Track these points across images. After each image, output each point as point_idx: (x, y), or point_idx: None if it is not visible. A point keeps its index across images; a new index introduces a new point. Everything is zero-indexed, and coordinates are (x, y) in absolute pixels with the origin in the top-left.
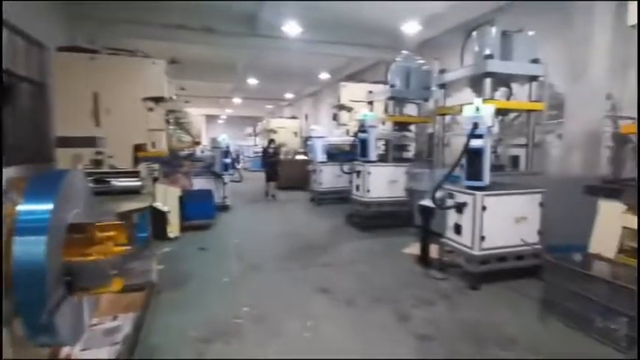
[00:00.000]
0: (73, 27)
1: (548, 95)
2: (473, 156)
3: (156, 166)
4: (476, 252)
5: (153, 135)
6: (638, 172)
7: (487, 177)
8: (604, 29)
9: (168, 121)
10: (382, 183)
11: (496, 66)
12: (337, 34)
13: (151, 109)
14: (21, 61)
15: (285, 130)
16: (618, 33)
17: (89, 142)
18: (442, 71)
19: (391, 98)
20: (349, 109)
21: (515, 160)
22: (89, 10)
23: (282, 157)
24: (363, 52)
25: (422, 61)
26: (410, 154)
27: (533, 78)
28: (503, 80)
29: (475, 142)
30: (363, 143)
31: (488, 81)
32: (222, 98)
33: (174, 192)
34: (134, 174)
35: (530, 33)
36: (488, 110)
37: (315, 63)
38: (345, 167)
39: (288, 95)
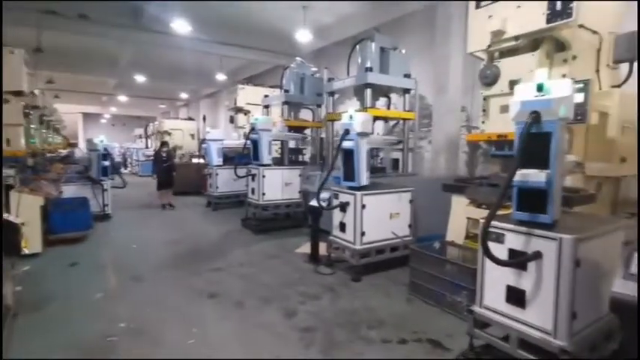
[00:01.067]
0: None
1: (421, 106)
2: (348, 159)
3: (11, 171)
4: (357, 246)
5: (8, 131)
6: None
7: (363, 178)
8: (458, 53)
9: (27, 117)
10: (277, 185)
11: (375, 78)
12: (232, 36)
13: (6, 101)
14: None
15: (181, 132)
16: (469, 57)
17: None
18: (330, 80)
19: (285, 103)
20: (246, 112)
21: (395, 162)
22: None
23: (176, 160)
24: (258, 56)
25: (315, 69)
26: (306, 157)
27: (406, 90)
28: (383, 91)
29: (346, 146)
30: (255, 146)
31: (368, 91)
32: (105, 95)
33: (34, 201)
34: None
35: (403, 51)
36: (360, 118)
37: (211, 64)
38: (240, 171)
39: (184, 95)
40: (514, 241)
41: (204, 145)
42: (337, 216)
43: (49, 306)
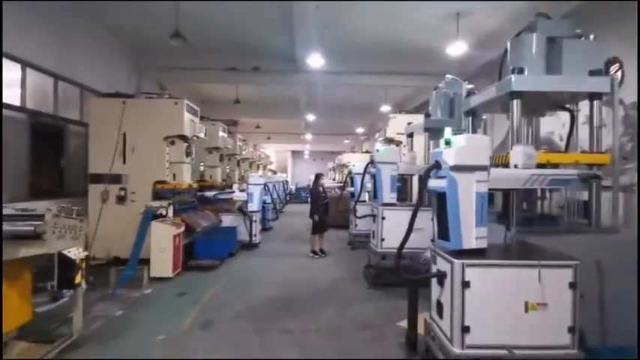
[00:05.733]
0: (141, 75)
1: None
2: (440, 206)
3: (164, 202)
4: (455, 349)
5: (173, 167)
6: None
7: (465, 237)
8: None
9: (189, 156)
10: (401, 230)
11: (524, 83)
12: (387, 64)
13: (172, 143)
14: (75, 106)
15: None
16: None
17: (115, 179)
18: (469, 94)
19: (427, 129)
20: (398, 143)
21: (586, 207)
22: (154, 60)
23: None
24: (417, 81)
25: (470, 86)
26: None
27: (595, 95)
28: (551, 101)
29: (435, 187)
30: (375, 182)
31: (515, 103)
32: (298, 134)
33: (168, 230)
34: (37, 217)
35: (591, 36)
36: (460, 144)
37: (377, 96)
38: (363, 209)
39: (360, 130)
40: None
41: (347, 180)
42: (435, 289)
43: (116, 340)
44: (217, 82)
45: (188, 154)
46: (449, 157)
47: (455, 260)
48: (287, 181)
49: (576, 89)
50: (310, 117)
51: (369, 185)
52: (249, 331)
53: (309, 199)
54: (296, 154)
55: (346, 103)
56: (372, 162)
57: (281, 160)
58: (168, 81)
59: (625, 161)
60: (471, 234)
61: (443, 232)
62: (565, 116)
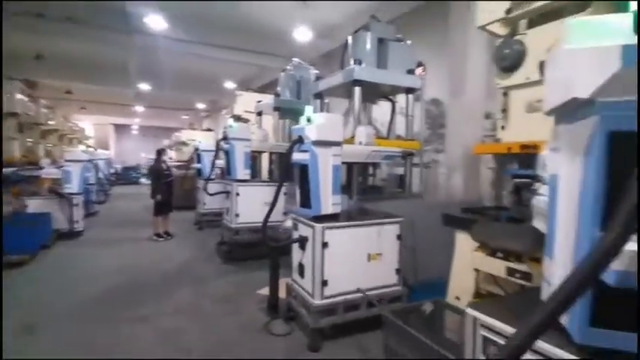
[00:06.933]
0: None
1: (438, 113)
2: (303, 178)
3: None
4: (317, 301)
5: None
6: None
7: (324, 204)
8: (478, 43)
9: None
10: (256, 205)
11: (364, 73)
12: (229, 39)
13: None
14: None
15: (199, 143)
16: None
17: None
18: (318, 79)
19: (276, 109)
20: (245, 120)
21: (401, 180)
22: None
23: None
24: (260, 60)
25: (316, 72)
26: None
27: (409, 90)
28: (380, 91)
29: (299, 160)
30: (228, 159)
31: (357, 90)
32: (123, 105)
33: None
34: None
35: (409, 42)
36: (319, 121)
37: (220, 72)
38: (214, 187)
39: (201, 106)
40: None
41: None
42: (296, 254)
43: None
44: (12, 28)
45: None
46: (311, 132)
47: (316, 225)
48: (110, 160)
49: (401, 84)
50: (144, 86)
51: (219, 162)
52: (97, 326)
53: (149, 179)
54: (121, 128)
55: (187, 75)
56: (225, 138)
57: (101, 136)
58: None
59: (425, 144)
60: (328, 201)
61: (305, 201)
62: (386, 105)
